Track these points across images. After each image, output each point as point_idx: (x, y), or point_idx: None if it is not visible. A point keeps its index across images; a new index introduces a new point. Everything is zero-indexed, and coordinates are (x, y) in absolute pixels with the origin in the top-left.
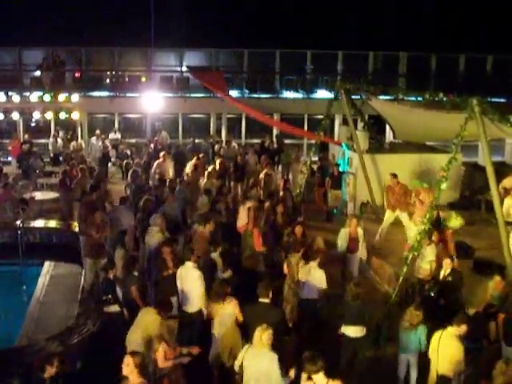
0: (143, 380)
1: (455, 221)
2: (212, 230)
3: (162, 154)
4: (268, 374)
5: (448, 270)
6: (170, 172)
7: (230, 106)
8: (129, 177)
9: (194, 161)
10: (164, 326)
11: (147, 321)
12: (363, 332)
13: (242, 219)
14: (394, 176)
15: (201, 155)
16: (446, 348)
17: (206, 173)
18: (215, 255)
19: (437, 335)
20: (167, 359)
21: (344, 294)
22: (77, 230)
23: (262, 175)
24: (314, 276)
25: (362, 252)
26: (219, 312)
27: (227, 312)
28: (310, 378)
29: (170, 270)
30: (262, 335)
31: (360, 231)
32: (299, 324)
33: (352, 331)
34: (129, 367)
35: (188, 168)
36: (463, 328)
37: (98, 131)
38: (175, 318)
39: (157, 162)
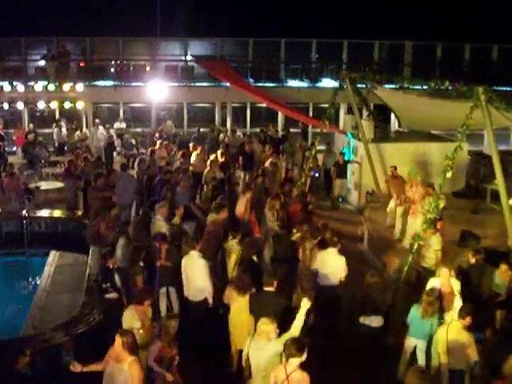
0: (134, 357)
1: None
2: (226, 218)
3: (158, 142)
4: (273, 365)
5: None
6: (164, 160)
7: (235, 95)
8: (136, 166)
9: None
10: (166, 328)
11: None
12: (382, 322)
13: (240, 207)
14: (395, 168)
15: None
16: (455, 342)
17: (208, 162)
18: (234, 243)
19: (443, 330)
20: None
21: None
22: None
23: (267, 164)
24: (336, 263)
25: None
26: (235, 300)
27: (243, 301)
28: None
29: (162, 260)
30: (267, 328)
31: (454, 283)
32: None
33: (372, 321)
34: (119, 346)
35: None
36: (468, 320)
37: (97, 120)
38: (175, 317)
39: (150, 149)
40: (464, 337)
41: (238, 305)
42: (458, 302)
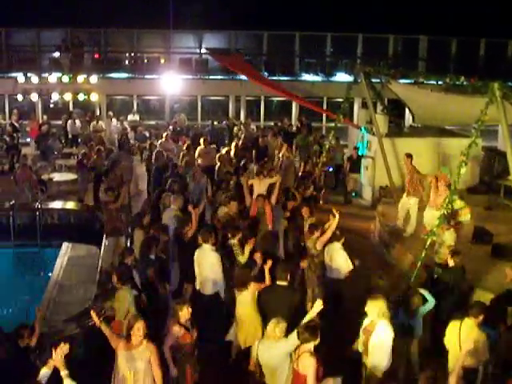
0: (146, 338)
1: (465, 216)
2: (236, 212)
3: (164, 134)
4: (282, 365)
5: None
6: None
7: (249, 89)
8: (153, 157)
9: (187, 142)
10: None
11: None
12: None
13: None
14: (408, 156)
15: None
16: (468, 340)
17: (217, 156)
18: (233, 242)
19: (455, 327)
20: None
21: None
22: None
23: (280, 157)
24: (338, 257)
25: None
26: (239, 297)
27: (247, 297)
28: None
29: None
30: (276, 328)
31: (385, 331)
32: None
33: None
34: (140, 331)
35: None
36: (481, 318)
37: (110, 113)
38: (184, 304)
39: (159, 141)
40: (476, 335)
41: (241, 300)
42: (375, 353)
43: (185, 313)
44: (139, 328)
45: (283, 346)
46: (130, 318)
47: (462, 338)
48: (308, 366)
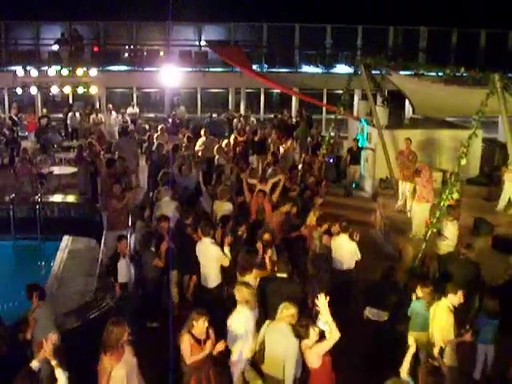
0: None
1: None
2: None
3: (159, 127)
4: (287, 354)
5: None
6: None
7: (249, 81)
8: (155, 150)
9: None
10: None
11: None
12: (385, 317)
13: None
14: (407, 139)
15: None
16: (438, 318)
17: (215, 148)
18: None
19: (433, 306)
20: (193, 355)
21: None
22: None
23: (281, 150)
24: (347, 248)
25: None
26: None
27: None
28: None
29: (166, 244)
30: (285, 311)
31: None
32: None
33: (376, 315)
34: (125, 336)
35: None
36: (452, 298)
37: (110, 106)
38: (202, 316)
39: (155, 135)
40: (444, 316)
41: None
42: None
43: (200, 325)
44: (126, 333)
45: (291, 335)
46: (114, 329)
47: (435, 317)
48: (312, 356)
